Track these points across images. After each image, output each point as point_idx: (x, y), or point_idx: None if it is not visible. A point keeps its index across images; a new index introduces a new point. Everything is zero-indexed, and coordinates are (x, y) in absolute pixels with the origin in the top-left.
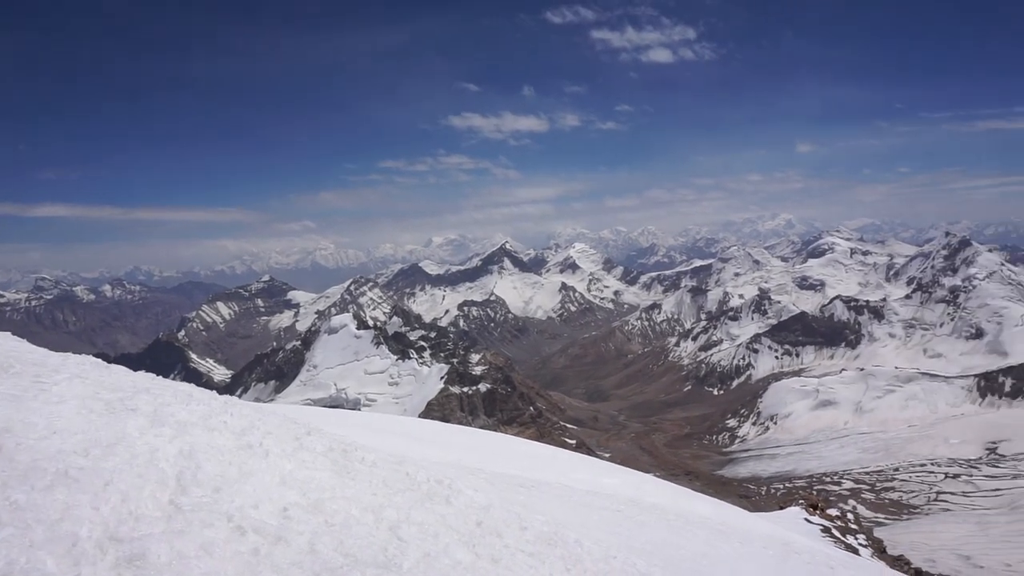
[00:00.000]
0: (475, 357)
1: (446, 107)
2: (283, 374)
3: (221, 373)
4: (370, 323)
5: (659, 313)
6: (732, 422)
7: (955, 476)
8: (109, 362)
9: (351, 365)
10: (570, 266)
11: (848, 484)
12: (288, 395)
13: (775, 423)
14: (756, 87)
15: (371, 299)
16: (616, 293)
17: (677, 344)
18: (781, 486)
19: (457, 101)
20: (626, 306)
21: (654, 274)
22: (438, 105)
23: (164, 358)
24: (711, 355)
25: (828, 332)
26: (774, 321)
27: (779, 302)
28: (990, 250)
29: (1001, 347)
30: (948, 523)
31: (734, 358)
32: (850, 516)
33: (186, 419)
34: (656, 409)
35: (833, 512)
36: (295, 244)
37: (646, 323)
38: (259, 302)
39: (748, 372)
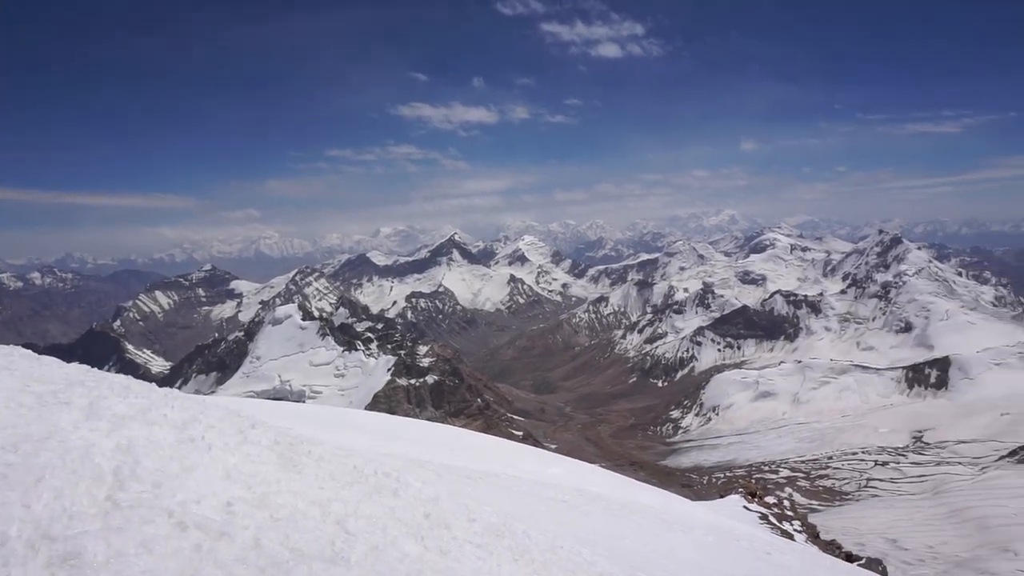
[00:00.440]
0: (423, 349)
1: (395, 96)
2: (225, 366)
3: (159, 364)
4: (316, 314)
5: (606, 306)
6: (676, 413)
7: (884, 463)
8: (39, 353)
9: (296, 357)
10: (519, 258)
11: (785, 472)
12: (230, 387)
13: (717, 414)
14: (703, 85)
15: (317, 290)
16: (564, 286)
17: (623, 337)
18: (722, 475)
19: (406, 90)
20: (574, 299)
21: (602, 267)
22: (387, 94)
23: (98, 349)
24: (656, 347)
25: (768, 325)
26: (717, 315)
27: (722, 296)
28: (919, 248)
29: (928, 340)
30: (877, 508)
31: (678, 350)
32: (786, 503)
33: (124, 412)
34: (602, 401)
35: (770, 500)
36: (238, 233)
37: (593, 316)
38: (200, 292)
39: (691, 364)
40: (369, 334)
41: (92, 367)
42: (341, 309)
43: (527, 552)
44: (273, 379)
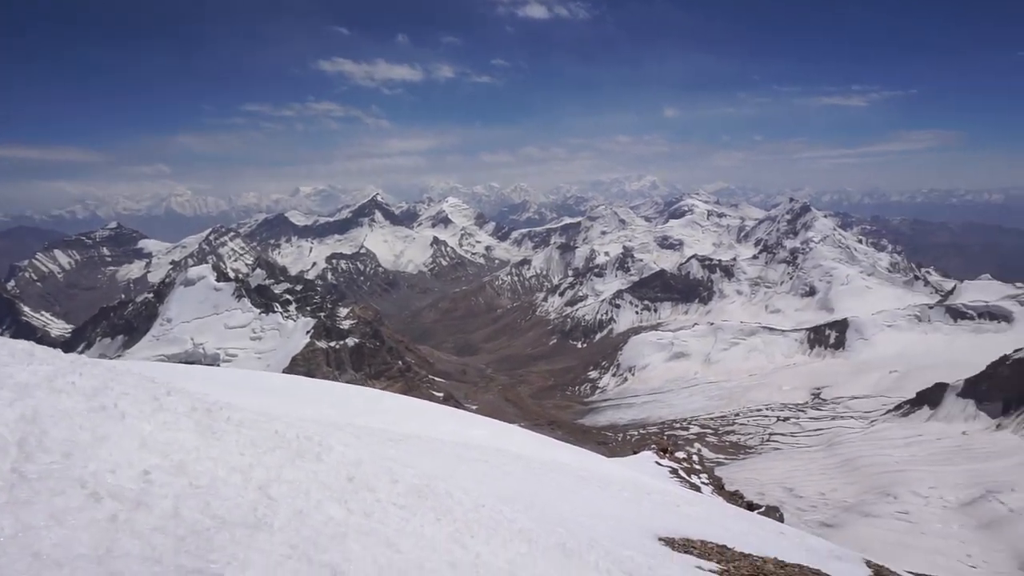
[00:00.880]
0: (343, 311)
1: (316, 50)
2: (132, 328)
3: (59, 328)
4: (231, 275)
5: (528, 269)
6: (594, 374)
7: (785, 419)
8: None
9: (210, 319)
10: (442, 220)
11: (695, 429)
12: (138, 351)
13: (633, 374)
14: (627, 50)
15: (232, 250)
16: (488, 248)
17: (545, 299)
18: (636, 433)
19: (328, 44)
20: (497, 261)
21: (525, 230)
22: (307, 47)
23: None
24: (576, 310)
25: (684, 289)
26: (636, 278)
27: (641, 260)
28: (826, 216)
29: (829, 304)
30: (777, 460)
31: (598, 313)
32: (695, 458)
33: (27, 380)
34: (523, 362)
35: (680, 455)
36: (147, 189)
37: (516, 278)
38: (105, 251)
39: (610, 326)
40: (288, 296)
41: None
42: (258, 270)
43: (450, 512)
44: (185, 342)
